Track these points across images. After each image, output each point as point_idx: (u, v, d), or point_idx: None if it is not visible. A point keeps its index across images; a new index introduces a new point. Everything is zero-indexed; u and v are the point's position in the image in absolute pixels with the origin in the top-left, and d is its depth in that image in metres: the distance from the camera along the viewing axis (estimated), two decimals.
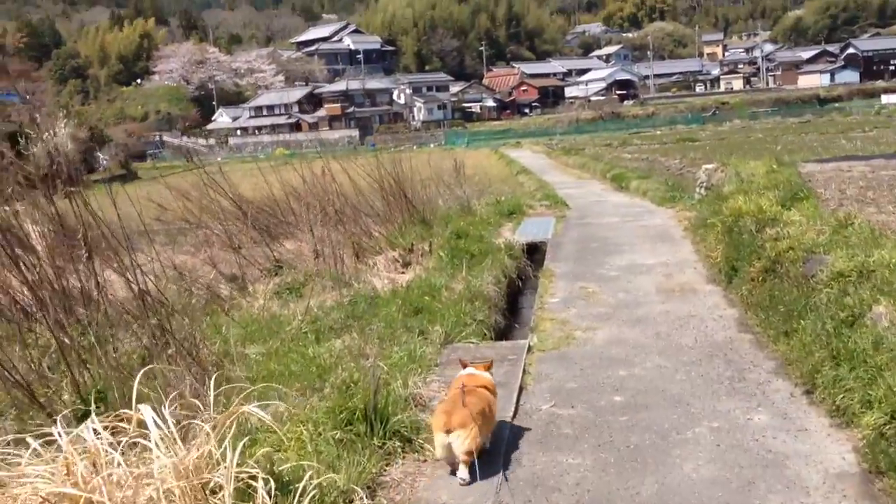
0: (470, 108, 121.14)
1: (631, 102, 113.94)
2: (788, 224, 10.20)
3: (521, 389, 7.19)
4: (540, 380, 7.51)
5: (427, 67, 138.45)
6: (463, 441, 5.34)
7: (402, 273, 13.36)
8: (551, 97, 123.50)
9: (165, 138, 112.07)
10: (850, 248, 8.16)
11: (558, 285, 11.79)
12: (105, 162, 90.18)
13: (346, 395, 6.29)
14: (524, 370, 7.72)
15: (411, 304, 10.24)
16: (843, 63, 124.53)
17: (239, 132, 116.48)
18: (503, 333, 10.68)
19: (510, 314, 12.03)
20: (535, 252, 16.31)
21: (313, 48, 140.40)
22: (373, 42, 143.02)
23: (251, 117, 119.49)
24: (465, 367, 6.32)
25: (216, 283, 12.93)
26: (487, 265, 12.62)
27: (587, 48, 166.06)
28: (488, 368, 6.35)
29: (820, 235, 9.17)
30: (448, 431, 5.36)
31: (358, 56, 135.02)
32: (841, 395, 5.85)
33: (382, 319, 9.52)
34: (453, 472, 5.51)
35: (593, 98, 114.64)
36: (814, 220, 10.15)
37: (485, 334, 9.43)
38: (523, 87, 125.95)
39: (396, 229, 16.30)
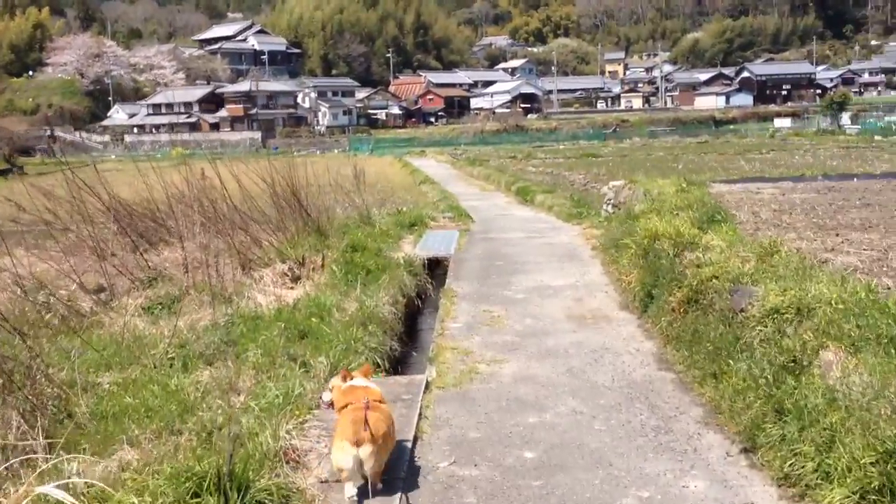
0: (375, 114, 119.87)
1: (535, 116, 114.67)
2: (708, 249, 9.45)
3: (415, 439, 6.13)
4: (438, 426, 6.46)
5: (333, 72, 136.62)
6: (375, 456, 5.05)
7: (292, 289, 12.16)
8: (457, 107, 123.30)
9: (57, 133, 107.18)
10: (782, 280, 7.40)
11: (461, 307, 10.80)
12: None
13: (196, 455, 5.09)
14: (420, 413, 6.67)
15: (297, 327, 9.09)
16: (738, 86, 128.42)
17: (136, 130, 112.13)
18: (399, 361, 9.62)
19: (408, 338, 10.99)
20: (436, 267, 15.33)
21: (217, 47, 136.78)
22: (278, 43, 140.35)
23: (149, 115, 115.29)
24: (345, 378, 5.81)
25: (77, 296, 11.48)
26: (384, 283, 11.55)
27: (493, 60, 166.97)
28: (367, 374, 5.99)
29: (745, 263, 8.42)
30: (358, 444, 4.99)
31: (263, 57, 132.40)
32: (790, 461, 4.99)
33: (262, 345, 8.34)
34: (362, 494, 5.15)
35: (498, 110, 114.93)
36: (735, 246, 9.43)
37: (378, 365, 8.35)
38: (429, 96, 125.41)
39: (289, 239, 15.08)
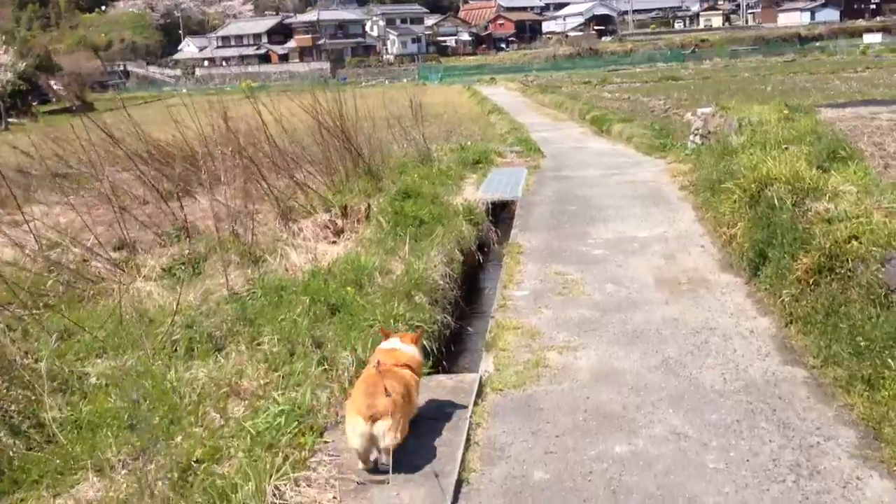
0: (445, 42, 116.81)
1: (609, 38, 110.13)
2: (837, 197, 7.51)
3: (458, 485, 4.50)
4: (492, 458, 4.81)
5: None
6: (390, 433, 4.50)
7: (334, 243, 10.61)
8: (528, 32, 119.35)
9: (130, 68, 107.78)
10: None
11: (527, 268, 9.06)
12: (60, 92, 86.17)
13: None
14: (468, 436, 5.03)
15: (327, 300, 7.51)
16: (823, 1, 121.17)
17: (206, 63, 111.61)
18: (453, 340, 7.99)
19: (465, 303, 9.32)
20: (502, 211, 13.63)
21: None
22: None
23: (219, 47, 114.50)
24: (387, 337, 5.42)
25: (91, 255, 10.09)
26: (438, 237, 9.88)
27: None
28: (416, 341, 5.41)
29: (893, 219, 6.50)
30: (372, 419, 4.49)
31: None
32: None
33: (280, 328, 6.78)
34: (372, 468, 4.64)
35: (571, 34, 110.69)
36: (873, 194, 7.48)
37: (423, 352, 6.73)
38: (500, 21, 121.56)
39: (337, 183, 13.52)
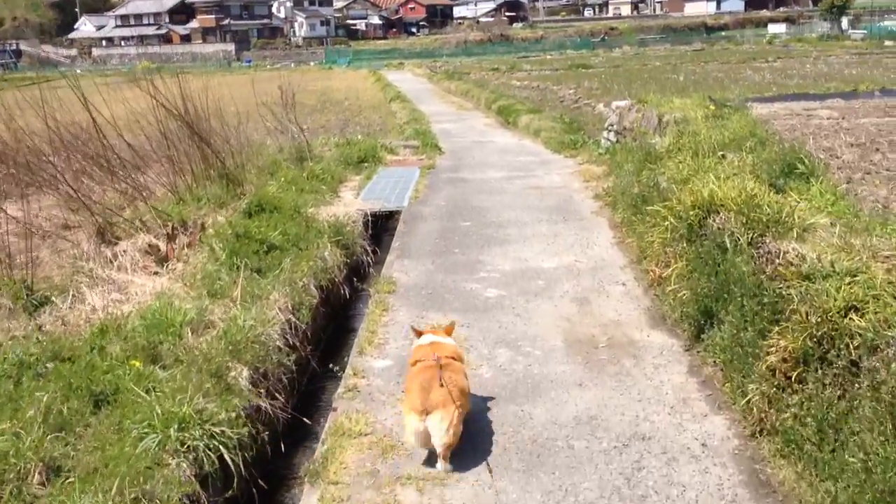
0: (355, 25, 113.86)
1: (520, 25, 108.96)
2: (807, 233, 5.49)
3: None
4: None
5: None
6: (443, 427, 4.24)
7: (156, 273, 8.17)
8: (440, 17, 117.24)
9: (22, 47, 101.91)
10: None
11: (397, 318, 6.80)
12: None
13: None
14: None
15: (90, 386, 5.11)
16: None
17: (104, 43, 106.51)
18: (287, 434, 5.68)
19: (323, 357, 7.04)
20: (387, 221, 11.42)
21: None
22: None
23: (117, 27, 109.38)
24: (419, 335, 5.13)
25: None
26: (286, 271, 7.56)
27: None
28: (450, 333, 5.17)
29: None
30: (425, 413, 4.25)
31: None
32: None
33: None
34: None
35: (482, 19, 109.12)
36: (852, 226, 5.47)
37: (209, 485, 4.42)
38: (411, 5, 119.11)
39: (182, 190, 11.07)
